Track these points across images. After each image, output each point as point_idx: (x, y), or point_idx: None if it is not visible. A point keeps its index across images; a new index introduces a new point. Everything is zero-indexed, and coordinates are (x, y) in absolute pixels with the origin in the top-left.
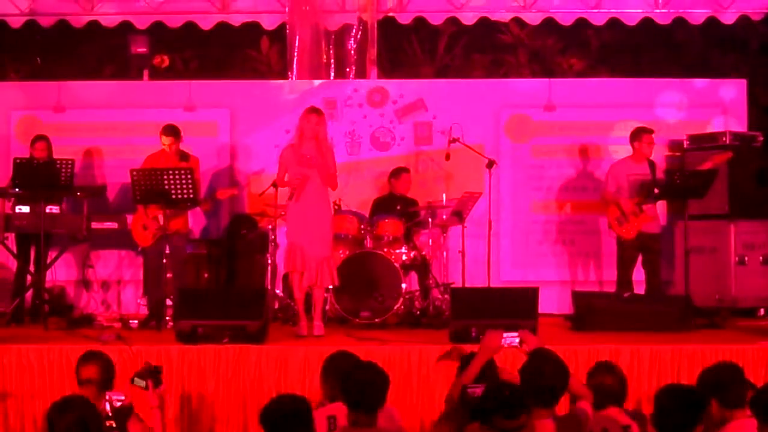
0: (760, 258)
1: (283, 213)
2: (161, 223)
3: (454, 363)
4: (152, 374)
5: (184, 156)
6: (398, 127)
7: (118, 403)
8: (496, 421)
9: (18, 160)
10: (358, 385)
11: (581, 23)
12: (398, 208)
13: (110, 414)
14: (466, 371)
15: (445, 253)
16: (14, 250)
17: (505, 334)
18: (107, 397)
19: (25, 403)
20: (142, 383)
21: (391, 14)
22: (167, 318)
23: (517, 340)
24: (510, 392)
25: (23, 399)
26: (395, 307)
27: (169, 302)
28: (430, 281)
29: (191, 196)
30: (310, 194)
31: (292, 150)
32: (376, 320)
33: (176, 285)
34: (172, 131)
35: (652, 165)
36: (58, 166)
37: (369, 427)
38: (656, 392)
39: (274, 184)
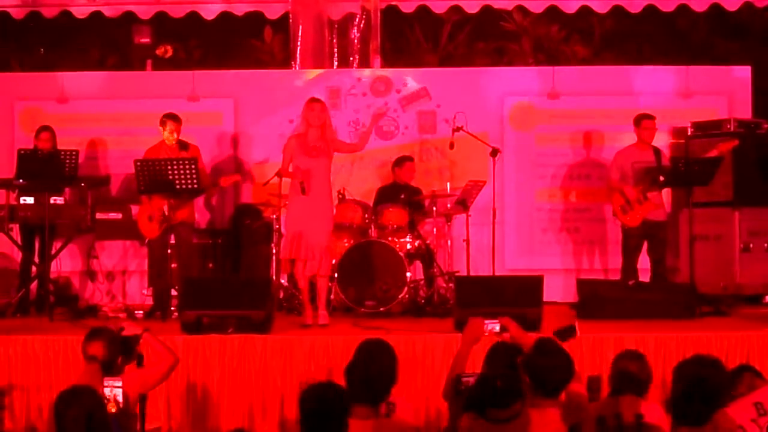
0: (765, 245)
1: (286, 202)
2: (166, 213)
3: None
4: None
5: (183, 145)
6: (402, 116)
7: (117, 383)
8: (490, 410)
9: (22, 152)
10: (362, 377)
11: (585, 11)
12: (402, 197)
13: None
14: (456, 363)
15: (449, 242)
16: (18, 241)
17: (486, 322)
18: (105, 383)
19: (31, 394)
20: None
21: (394, 3)
22: (172, 308)
23: (498, 326)
24: (502, 382)
25: (29, 389)
26: (400, 296)
27: (174, 292)
28: (435, 270)
29: (195, 185)
30: (313, 184)
31: (297, 140)
32: (381, 309)
33: (182, 275)
34: (175, 118)
35: (657, 152)
36: (62, 157)
37: (373, 418)
38: (674, 382)
39: (279, 174)
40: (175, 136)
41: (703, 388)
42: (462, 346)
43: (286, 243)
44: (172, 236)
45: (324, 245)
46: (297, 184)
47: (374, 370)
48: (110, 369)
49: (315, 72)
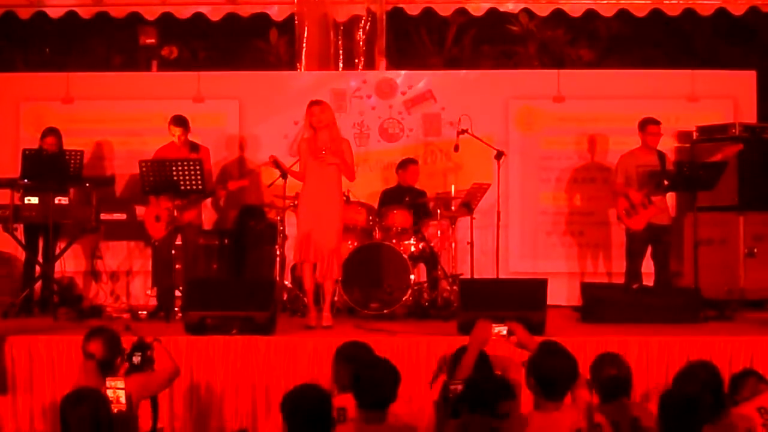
0: None
1: (291, 204)
2: (174, 214)
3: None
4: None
5: (194, 147)
6: (407, 118)
7: (120, 384)
8: (480, 410)
9: (27, 152)
10: (369, 383)
11: (590, 14)
12: (407, 199)
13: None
14: (460, 367)
15: (453, 245)
16: (22, 241)
17: (493, 325)
18: (107, 384)
19: (34, 394)
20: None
21: (399, 5)
22: (176, 309)
23: (505, 330)
24: (492, 381)
25: (32, 390)
26: (404, 299)
27: (178, 293)
28: (439, 272)
29: (200, 187)
30: (322, 185)
31: (307, 144)
32: (385, 311)
33: (187, 276)
34: (180, 122)
35: (661, 156)
36: (67, 157)
37: (379, 422)
38: (660, 396)
39: (284, 175)
40: (181, 138)
41: (687, 407)
42: (469, 349)
43: (296, 246)
44: (178, 237)
45: (333, 247)
46: (308, 186)
47: (383, 376)
48: (108, 368)
49: (320, 74)
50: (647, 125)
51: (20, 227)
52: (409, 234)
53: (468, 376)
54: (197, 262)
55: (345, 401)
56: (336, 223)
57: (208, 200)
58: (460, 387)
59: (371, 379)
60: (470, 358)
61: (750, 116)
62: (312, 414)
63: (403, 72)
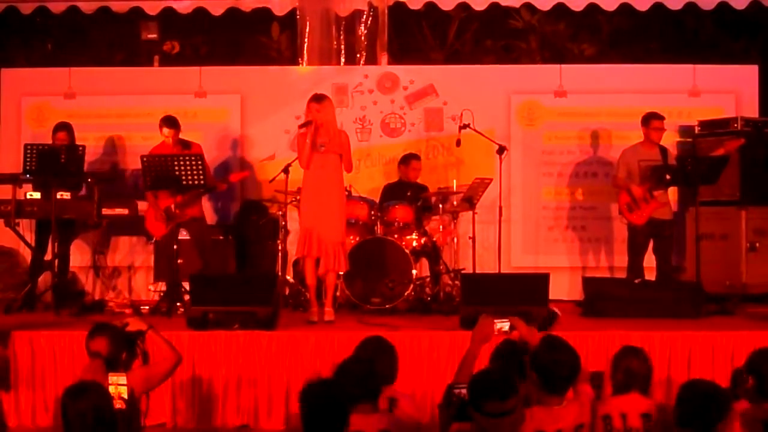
0: None
1: (293, 200)
2: (173, 211)
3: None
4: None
5: (186, 145)
6: (409, 113)
7: (122, 380)
8: (487, 405)
9: (28, 147)
10: (350, 379)
11: (592, 9)
12: (409, 194)
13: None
14: (464, 367)
15: (455, 239)
16: (33, 236)
17: (495, 321)
18: (110, 380)
19: (36, 389)
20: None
21: (401, 0)
22: (178, 304)
23: (508, 326)
24: (498, 376)
25: (34, 384)
26: (406, 294)
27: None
28: (441, 267)
29: (202, 181)
30: (324, 179)
31: (304, 139)
32: (387, 306)
33: (204, 270)
34: (171, 122)
35: (663, 151)
36: (68, 152)
37: (369, 413)
38: (679, 387)
39: (285, 170)
40: (173, 138)
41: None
42: (471, 345)
43: (298, 240)
44: (181, 233)
45: (336, 241)
46: (309, 181)
47: (361, 367)
48: (114, 365)
49: (322, 69)
50: (651, 120)
51: (31, 223)
52: (411, 229)
53: (477, 372)
54: (214, 255)
55: (392, 392)
56: (339, 216)
57: (216, 195)
58: (464, 391)
59: (345, 373)
60: (473, 355)
61: (752, 111)
62: (330, 408)
63: (404, 67)
